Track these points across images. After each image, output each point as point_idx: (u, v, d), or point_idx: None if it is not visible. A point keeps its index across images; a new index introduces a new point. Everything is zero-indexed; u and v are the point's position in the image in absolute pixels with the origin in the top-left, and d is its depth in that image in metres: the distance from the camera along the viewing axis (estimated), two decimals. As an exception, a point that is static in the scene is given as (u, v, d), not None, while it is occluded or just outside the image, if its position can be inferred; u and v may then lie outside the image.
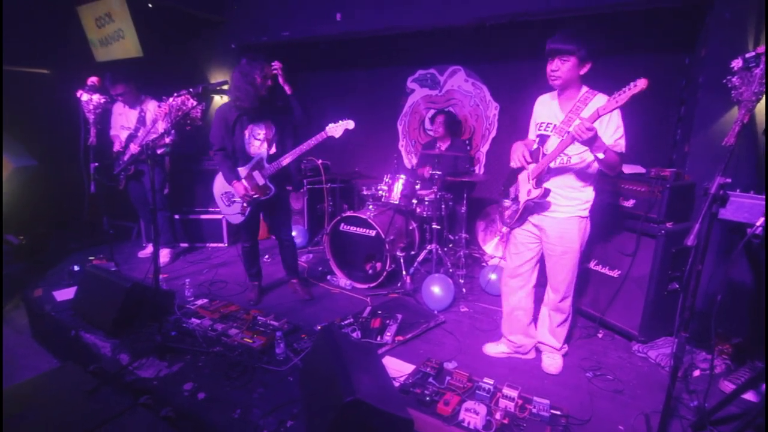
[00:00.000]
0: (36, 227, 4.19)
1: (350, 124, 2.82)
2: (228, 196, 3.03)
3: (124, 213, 4.55)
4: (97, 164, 3.46)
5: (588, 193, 2.19)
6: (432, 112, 4.64)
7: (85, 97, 3.34)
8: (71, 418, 1.95)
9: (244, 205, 2.96)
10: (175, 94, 2.39)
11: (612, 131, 1.98)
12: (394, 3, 3.89)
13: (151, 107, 3.61)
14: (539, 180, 2.14)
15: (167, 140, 2.37)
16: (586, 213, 2.21)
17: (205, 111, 4.90)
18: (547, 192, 2.14)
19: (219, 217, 4.51)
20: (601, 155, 1.88)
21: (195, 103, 2.39)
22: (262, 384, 2.22)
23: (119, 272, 3.48)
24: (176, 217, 4.37)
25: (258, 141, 2.90)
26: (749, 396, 2.12)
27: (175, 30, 4.79)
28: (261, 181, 2.90)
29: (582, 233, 2.22)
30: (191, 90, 2.38)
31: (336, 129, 2.84)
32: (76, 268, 3.49)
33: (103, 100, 3.37)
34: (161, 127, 3.27)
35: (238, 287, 3.48)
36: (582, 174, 2.14)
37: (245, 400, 2.10)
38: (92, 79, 3.38)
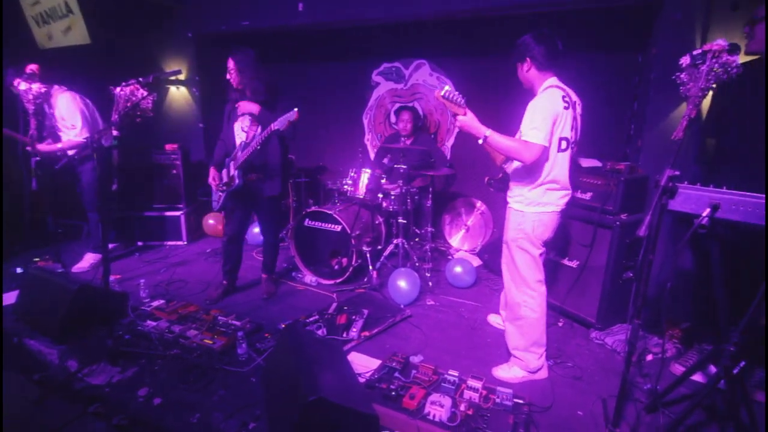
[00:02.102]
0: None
1: (293, 115, 2.57)
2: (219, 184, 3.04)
3: (72, 211, 4.27)
4: (38, 159, 3.22)
5: (522, 187, 2.19)
6: (396, 106, 4.62)
7: (23, 86, 3.10)
8: (18, 431, 1.81)
9: (219, 194, 2.97)
10: (123, 84, 2.25)
11: (527, 122, 2.04)
12: (358, -6, 3.83)
13: (63, 102, 3.33)
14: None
15: (114, 133, 2.21)
16: (519, 207, 2.20)
17: (159, 102, 4.68)
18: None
19: (177, 213, 4.33)
20: (480, 141, 2.05)
21: (145, 93, 2.26)
22: (223, 386, 2.15)
23: (66, 274, 3.28)
24: (132, 214, 4.16)
25: (243, 133, 2.89)
26: (698, 377, 2.25)
27: (127, 16, 4.51)
28: (232, 171, 2.86)
29: (516, 225, 2.22)
30: (141, 80, 2.25)
31: (280, 122, 2.64)
32: (18, 270, 3.26)
33: (43, 90, 3.13)
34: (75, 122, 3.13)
35: (198, 286, 3.35)
36: (517, 169, 2.22)
37: (205, 403, 2.02)
38: (31, 67, 3.14)
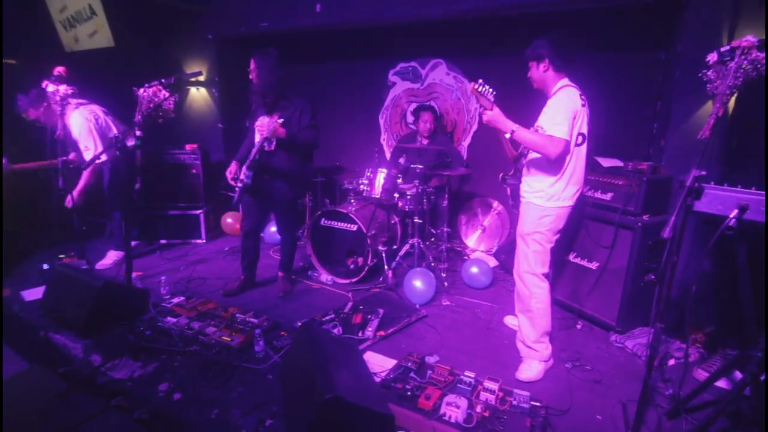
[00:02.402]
0: (4, 225, 4.00)
1: (275, 124, 2.74)
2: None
3: (97, 209, 4.39)
4: (65, 158, 3.31)
5: (543, 182, 2.22)
6: (414, 105, 4.61)
7: (51, 87, 3.19)
8: (41, 423, 1.87)
9: (236, 189, 2.98)
10: (146, 85, 2.30)
11: (549, 118, 2.11)
12: (375, -6, 3.84)
13: (75, 123, 3.30)
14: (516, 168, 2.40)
15: (138, 133, 2.27)
16: (539, 201, 2.23)
17: (179, 103, 4.78)
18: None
19: (197, 212, 4.41)
20: (507, 135, 2.13)
21: (167, 94, 2.31)
22: (241, 383, 2.18)
23: (90, 270, 3.36)
24: (153, 212, 4.25)
25: (259, 133, 2.94)
26: (722, 383, 2.18)
27: (149, 19, 4.62)
28: (244, 170, 2.89)
29: (535, 219, 2.25)
30: (163, 81, 2.30)
31: (269, 129, 2.77)
32: (45, 266, 3.35)
33: (70, 91, 3.22)
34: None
35: (217, 283, 3.40)
36: (535, 161, 2.26)
37: (223, 399, 2.05)
38: (59, 69, 3.23)
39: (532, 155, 2.26)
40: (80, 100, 3.39)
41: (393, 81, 4.84)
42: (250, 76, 2.89)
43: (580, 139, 2.17)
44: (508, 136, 2.13)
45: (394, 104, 4.89)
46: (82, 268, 3.28)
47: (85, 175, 3.32)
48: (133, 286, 2.57)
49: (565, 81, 2.21)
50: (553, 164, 2.16)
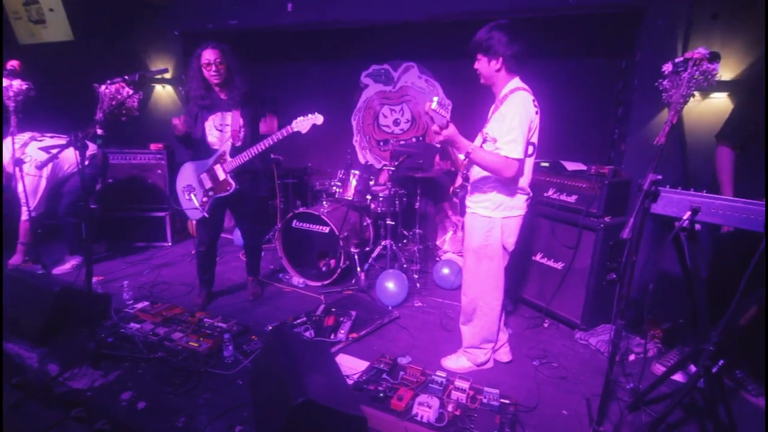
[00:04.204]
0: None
1: (319, 119, 2.63)
2: (189, 189, 2.83)
3: (53, 212, 4.17)
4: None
5: (488, 191, 2.11)
6: (394, 115, 4.63)
7: (3, 82, 3.01)
8: (-10, 438, 1.76)
9: (203, 199, 2.78)
10: (108, 82, 2.21)
11: (504, 132, 1.96)
12: (347, -5, 3.84)
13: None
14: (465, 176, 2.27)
15: (99, 131, 2.15)
16: (486, 212, 2.13)
17: (144, 101, 4.61)
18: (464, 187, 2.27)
19: (162, 214, 4.26)
20: (461, 156, 2.03)
21: (131, 91, 2.22)
22: (209, 389, 2.12)
23: (47, 275, 3.19)
24: (115, 214, 4.08)
25: (218, 132, 2.75)
26: (678, 377, 2.31)
27: (111, 12, 4.44)
28: (222, 176, 2.74)
29: (483, 232, 2.14)
30: (126, 78, 2.21)
31: (303, 123, 2.64)
32: (-4, 271, 3.16)
33: (24, 87, 3.05)
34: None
35: (183, 288, 3.30)
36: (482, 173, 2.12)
37: (190, 406, 1.99)
38: (12, 63, 3.05)
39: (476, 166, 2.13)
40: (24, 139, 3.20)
41: (365, 83, 4.85)
42: (207, 71, 2.61)
43: (530, 149, 2.05)
44: (462, 156, 2.01)
45: (367, 106, 4.90)
46: (37, 273, 3.10)
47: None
48: (93, 291, 2.45)
49: (517, 82, 2.05)
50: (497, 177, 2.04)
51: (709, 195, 1.58)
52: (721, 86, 2.83)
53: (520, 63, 2.02)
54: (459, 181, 2.37)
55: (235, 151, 2.73)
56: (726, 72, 2.82)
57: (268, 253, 4.13)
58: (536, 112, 2.03)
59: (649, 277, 2.75)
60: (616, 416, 2.01)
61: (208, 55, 2.58)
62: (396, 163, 3.64)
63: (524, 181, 2.11)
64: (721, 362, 1.67)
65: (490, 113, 2.16)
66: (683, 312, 2.60)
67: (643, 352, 2.53)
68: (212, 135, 2.77)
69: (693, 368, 2.15)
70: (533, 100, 2.02)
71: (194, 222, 4.47)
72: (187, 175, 2.86)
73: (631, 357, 2.56)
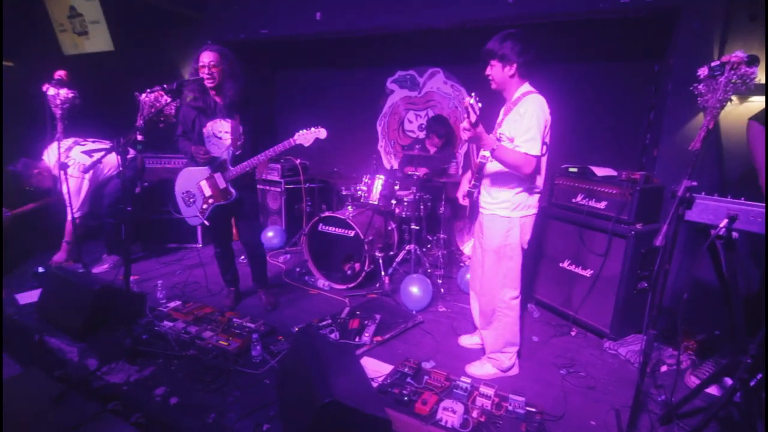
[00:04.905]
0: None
1: (322, 133, 2.63)
2: (188, 196, 2.83)
3: (95, 212, 4.38)
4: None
5: (507, 192, 2.16)
6: (419, 120, 4.66)
7: (51, 91, 3.21)
8: (36, 427, 1.86)
9: (203, 207, 2.78)
10: (148, 90, 2.32)
11: (522, 131, 2.03)
12: (375, 4, 3.89)
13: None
14: (478, 177, 2.29)
15: (139, 137, 2.27)
16: (505, 212, 2.17)
17: (180, 107, 4.78)
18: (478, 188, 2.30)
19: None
20: (486, 153, 2.09)
21: (169, 99, 2.33)
22: (238, 387, 2.18)
23: (87, 274, 3.35)
24: (151, 217, 4.25)
25: (217, 139, 2.72)
26: (713, 390, 2.22)
27: (149, 23, 4.65)
28: (222, 184, 2.73)
29: (502, 232, 2.19)
30: (165, 86, 2.32)
31: (306, 137, 2.64)
32: (40, 269, 3.35)
33: (71, 95, 3.23)
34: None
35: (213, 288, 3.40)
36: (501, 174, 2.17)
37: (220, 404, 2.06)
38: (59, 73, 3.25)
39: (494, 166, 2.17)
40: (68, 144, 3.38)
41: (391, 89, 4.89)
42: (204, 73, 2.55)
43: (544, 148, 2.10)
44: (487, 153, 2.08)
45: (392, 112, 4.94)
46: (78, 271, 3.26)
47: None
48: (130, 290, 2.57)
49: (528, 86, 2.14)
50: (517, 174, 2.09)
51: (747, 202, 1.53)
52: (760, 90, 2.72)
53: (531, 69, 2.12)
54: (465, 184, 2.46)
55: (235, 160, 2.71)
56: (765, 75, 2.71)
57: (294, 256, 4.22)
58: (550, 113, 2.12)
59: (683, 286, 2.66)
60: (647, 429, 1.96)
61: (204, 58, 2.57)
62: (427, 171, 3.70)
63: (540, 180, 2.19)
64: (759, 375, 1.61)
65: (502, 116, 2.23)
66: (718, 322, 2.50)
67: (676, 364, 2.45)
68: (210, 142, 2.74)
69: (729, 381, 2.07)
70: (545, 102, 2.11)
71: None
72: (186, 181, 2.83)
73: (663, 368, 2.48)
